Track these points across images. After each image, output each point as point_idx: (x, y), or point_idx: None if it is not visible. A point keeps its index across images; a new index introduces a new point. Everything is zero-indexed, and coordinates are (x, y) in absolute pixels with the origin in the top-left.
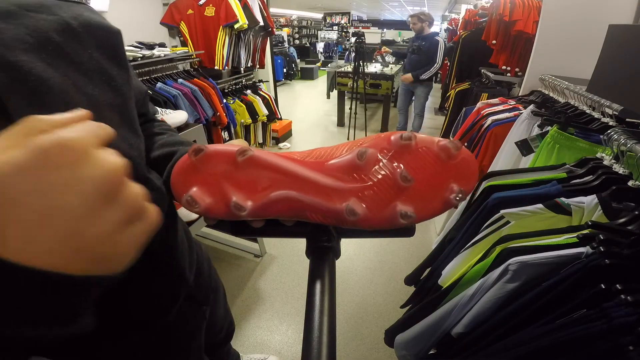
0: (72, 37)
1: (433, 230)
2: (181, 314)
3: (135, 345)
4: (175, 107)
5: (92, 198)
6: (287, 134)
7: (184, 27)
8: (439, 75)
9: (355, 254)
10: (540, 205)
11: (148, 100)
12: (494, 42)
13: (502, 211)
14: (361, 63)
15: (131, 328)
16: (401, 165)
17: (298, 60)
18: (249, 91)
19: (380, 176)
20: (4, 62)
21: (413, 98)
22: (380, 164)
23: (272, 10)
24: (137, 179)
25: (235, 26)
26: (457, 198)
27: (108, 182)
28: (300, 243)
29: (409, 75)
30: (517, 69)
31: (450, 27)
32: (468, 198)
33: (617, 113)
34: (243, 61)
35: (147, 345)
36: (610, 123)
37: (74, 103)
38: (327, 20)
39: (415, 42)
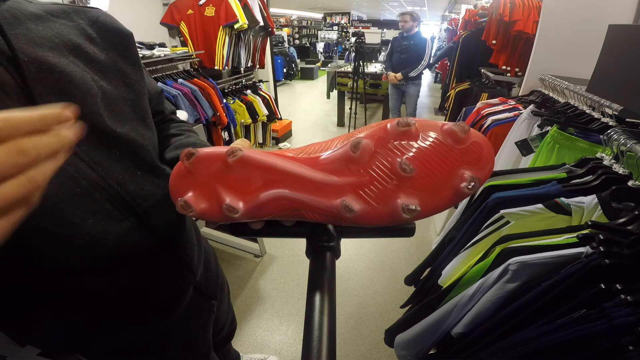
0: (89, 41)
1: (433, 230)
2: (191, 307)
3: (143, 334)
4: (175, 107)
5: None
6: (287, 134)
7: (184, 27)
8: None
9: (355, 254)
10: (540, 205)
11: (163, 99)
12: (494, 42)
13: (502, 211)
14: (361, 63)
15: (137, 316)
16: (400, 154)
17: (298, 60)
18: (249, 91)
19: (377, 168)
20: (34, 56)
21: (404, 99)
22: (378, 154)
23: (272, 10)
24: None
25: (235, 26)
26: (470, 186)
27: None
28: (300, 243)
29: (398, 75)
30: (517, 69)
31: (450, 27)
32: (468, 198)
33: (617, 113)
34: (243, 61)
35: (158, 335)
36: (610, 123)
37: (92, 94)
38: (327, 20)
39: (404, 42)
